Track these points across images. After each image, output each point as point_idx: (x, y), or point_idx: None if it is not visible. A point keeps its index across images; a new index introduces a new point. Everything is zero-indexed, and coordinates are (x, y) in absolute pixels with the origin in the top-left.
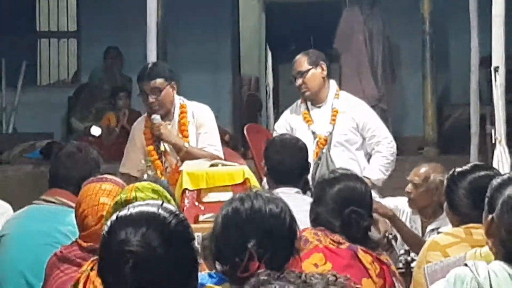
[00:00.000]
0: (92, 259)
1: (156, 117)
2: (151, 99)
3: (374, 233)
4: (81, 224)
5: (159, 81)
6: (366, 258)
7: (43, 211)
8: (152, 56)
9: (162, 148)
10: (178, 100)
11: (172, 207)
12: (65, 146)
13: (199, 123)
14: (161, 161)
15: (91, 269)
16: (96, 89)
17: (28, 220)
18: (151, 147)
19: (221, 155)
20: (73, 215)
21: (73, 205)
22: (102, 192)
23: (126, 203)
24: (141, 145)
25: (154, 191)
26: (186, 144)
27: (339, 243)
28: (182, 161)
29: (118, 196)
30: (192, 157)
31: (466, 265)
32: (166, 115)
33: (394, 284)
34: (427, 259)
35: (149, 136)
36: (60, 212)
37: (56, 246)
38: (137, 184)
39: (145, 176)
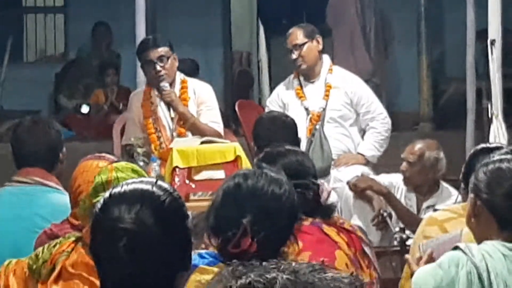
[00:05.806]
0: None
1: (166, 85)
2: (159, 67)
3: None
4: (75, 199)
5: (165, 49)
6: (331, 232)
7: (18, 193)
8: (141, 31)
9: (172, 115)
10: (178, 75)
11: (166, 185)
12: (20, 123)
13: (201, 100)
14: (157, 136)
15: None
16: (84, 65)
17: (3, 205)
18: (148, 121)
19: (222, 132)
20: (50, 194)
21: (48, 183)
22: (99, 169)
23: (107, 184)
24: (138, 120)
25: (134, 171)
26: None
27: (301, 219)
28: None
29: (98, 177)
30: (197, 129)
31: (456, 248)
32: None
33: (363, 249)
34: (424, 234)
35: (148, 109)
36: (37, 193)
37: (36, 230)
38: (116, 164)
39: (135, 155)
